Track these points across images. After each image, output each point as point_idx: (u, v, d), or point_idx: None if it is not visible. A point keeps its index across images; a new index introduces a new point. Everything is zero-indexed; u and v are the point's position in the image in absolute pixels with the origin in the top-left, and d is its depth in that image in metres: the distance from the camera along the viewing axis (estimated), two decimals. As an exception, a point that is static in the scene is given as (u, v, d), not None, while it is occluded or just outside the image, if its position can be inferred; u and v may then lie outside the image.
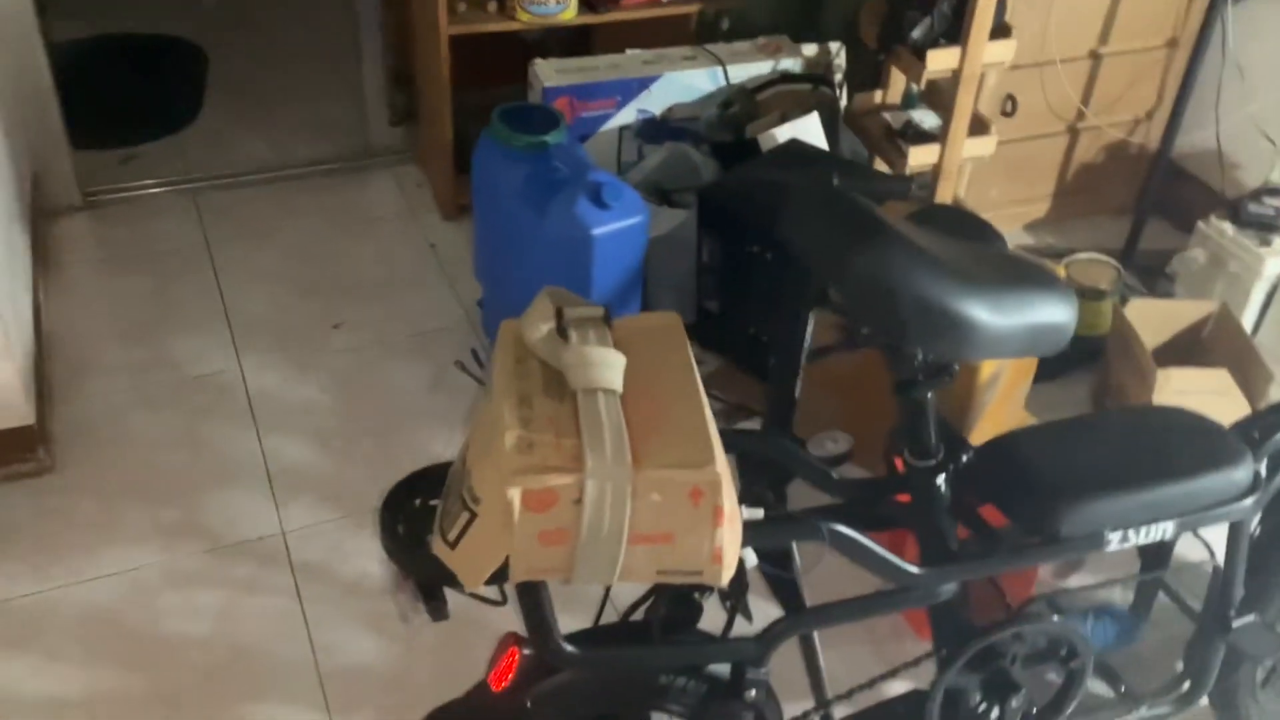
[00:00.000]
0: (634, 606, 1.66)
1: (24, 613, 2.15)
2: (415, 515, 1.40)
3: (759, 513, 1.32)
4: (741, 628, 1.52)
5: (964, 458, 1.53)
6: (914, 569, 1.49)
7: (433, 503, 1.40)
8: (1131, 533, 1.57)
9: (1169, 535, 1.59)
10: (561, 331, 1.36)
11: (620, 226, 2.39)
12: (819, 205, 1.39)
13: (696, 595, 1.59)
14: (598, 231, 2.36)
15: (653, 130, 3.02)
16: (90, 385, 2.66)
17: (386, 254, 3.16)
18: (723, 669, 1.53)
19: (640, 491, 1.22)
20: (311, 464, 2.52)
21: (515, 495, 1.20)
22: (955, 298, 1.29)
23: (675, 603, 1.56)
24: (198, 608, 2.20)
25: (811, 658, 1.62)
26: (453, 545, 1.28)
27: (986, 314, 1.31)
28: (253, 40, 4.17)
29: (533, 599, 1.34)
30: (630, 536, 1.24)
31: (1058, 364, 2.64)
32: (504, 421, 1.25)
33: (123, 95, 3.61)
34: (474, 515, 1.26)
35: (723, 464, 1.23)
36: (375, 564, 2.31)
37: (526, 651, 1.46)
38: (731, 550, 1.28)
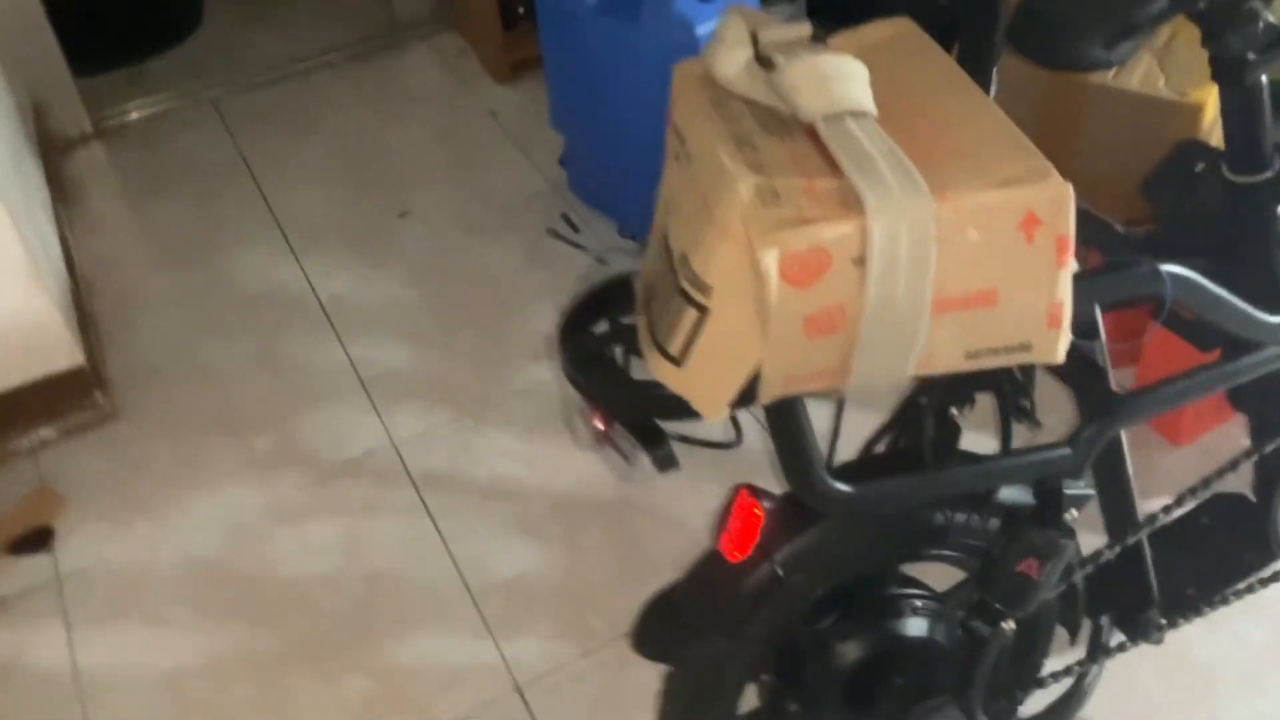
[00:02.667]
0: (873, 440, 1.30)
1: (115, 577, 1.83)
2: (604, 340, 1.04)
3: (1072, 264, 0.94)
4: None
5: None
6: (1273, 319, 1.10)
7: (626, 320, 1.04)
8: None
9: None
10: (762, 62, 0.97)
11: (728, 20, 1.98)
12: None
13: (954, 411, 1.23)
14: (704, 29, 1.95)
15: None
16: (142, 321, 2.31)
17: (443, 131, 2.77)
18: (1016, 494, 1.17)
19: (950, 230, 0.84)
20: (409, 366, 2.17)
21: (771, 262, 0.83)
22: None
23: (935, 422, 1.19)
24: (315, 542, 1.87)
25: (1117, 467, 1.24)
26: (679, 361, 0.92)
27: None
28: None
29: (790, 423, 0.98)
30: (935, 303, 0.87)
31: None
32: (729, 170, 0.87)
33: (113, 13, 3.21)
34: (705, 311, 0.89)
35: (1057, 178, 0.86)
36: (509, 461, 1.96)
37: (766, 505, 1.11)
38: (1069, 309, 0.91)
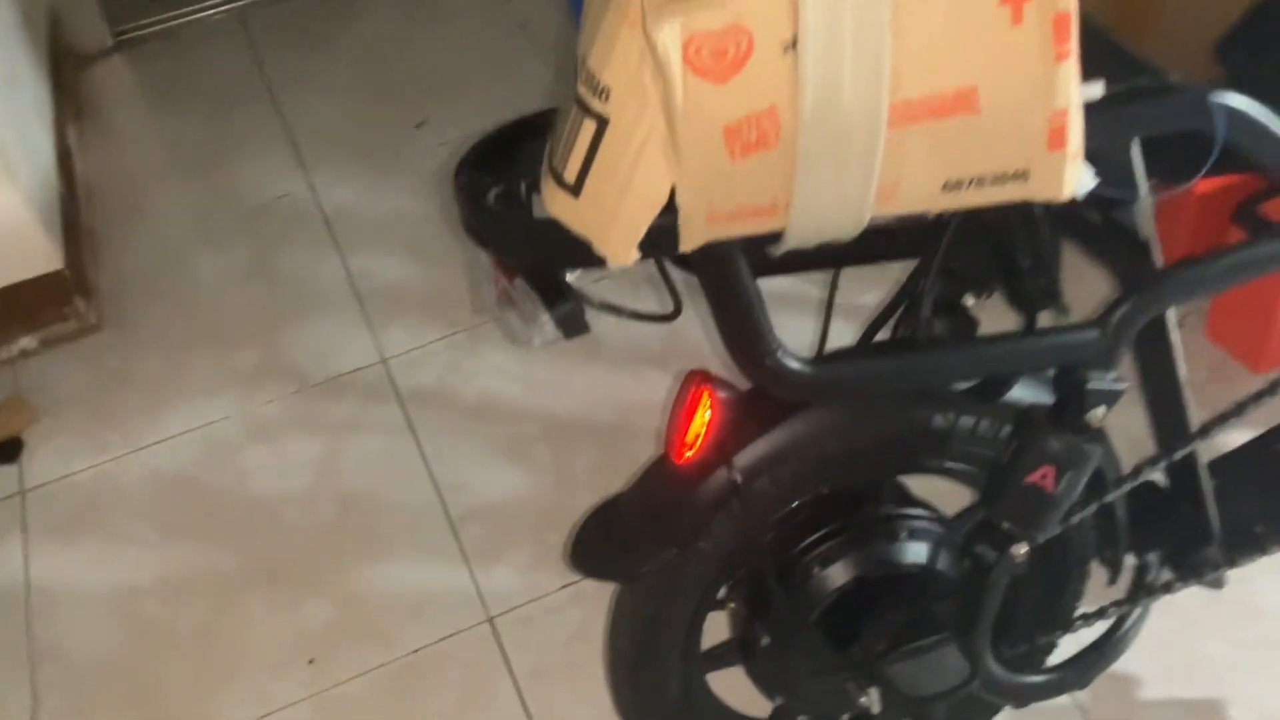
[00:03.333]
0: (873, 327, 1.10)
1: (80, 491, 1.72)
2: (511, 178, 0.86)
3: (1096, 87, 0.73)
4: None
5: None
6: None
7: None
8: None
9: None
10: None
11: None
12: None
13: (969, 300, 1.02)
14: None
15: None
16: (141, 232, 2.20)
17: (470, 43, 2.60)
18: (1034, 393, 0.96)
19: (909, 6, 0.64)
20: (408, 279, 2.02)
21: (670, 42, 0.64)
22: None
23: (941, 313, 0.99)
24: (291, 460, 1.73)
25: (1165, 363, 1.02)
26: (575, 190, 0.74)
27: None
28: None
29: (725, 278, 0.79)
30: (893, 109, 0.67)
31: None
32: (633, -58, 0.69)
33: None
34: (603, 122, 0.71)
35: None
36: (503, 380, 1.80)
37: (723, 396, 0.92)
38: (1079, 127, 0.70)
